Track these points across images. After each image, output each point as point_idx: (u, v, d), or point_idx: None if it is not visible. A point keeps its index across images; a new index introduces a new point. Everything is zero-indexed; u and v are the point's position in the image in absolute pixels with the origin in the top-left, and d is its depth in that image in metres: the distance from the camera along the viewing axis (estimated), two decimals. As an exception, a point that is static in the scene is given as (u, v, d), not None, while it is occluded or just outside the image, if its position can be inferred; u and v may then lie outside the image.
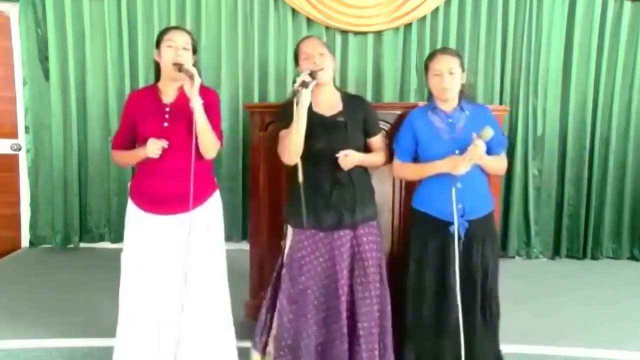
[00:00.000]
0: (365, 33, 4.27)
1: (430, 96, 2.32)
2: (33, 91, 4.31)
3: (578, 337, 2.84)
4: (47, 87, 4.29)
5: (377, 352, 2.20)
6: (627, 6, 4.23)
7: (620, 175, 4.35)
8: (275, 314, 2.28)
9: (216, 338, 2.27)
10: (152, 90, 2.24)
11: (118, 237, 4.43)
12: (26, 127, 4.34)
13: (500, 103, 4.26)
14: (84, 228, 4.44)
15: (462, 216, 2.16)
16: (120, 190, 4.37)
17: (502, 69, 4.28)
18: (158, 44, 2.18)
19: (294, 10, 4.23)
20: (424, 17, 4.25)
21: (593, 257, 4.37)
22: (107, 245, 4.44)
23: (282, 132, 2.20)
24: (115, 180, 4.36)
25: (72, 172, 4.33)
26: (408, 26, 4.28)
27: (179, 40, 2.14)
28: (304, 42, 2.29)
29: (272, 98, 4.26)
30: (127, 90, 4.28)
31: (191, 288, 2.16)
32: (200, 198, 2.20)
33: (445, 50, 2.36)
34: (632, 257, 4.39)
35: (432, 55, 2.28)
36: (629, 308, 3.30)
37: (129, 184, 2.28)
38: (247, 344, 2.56)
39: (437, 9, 4.24)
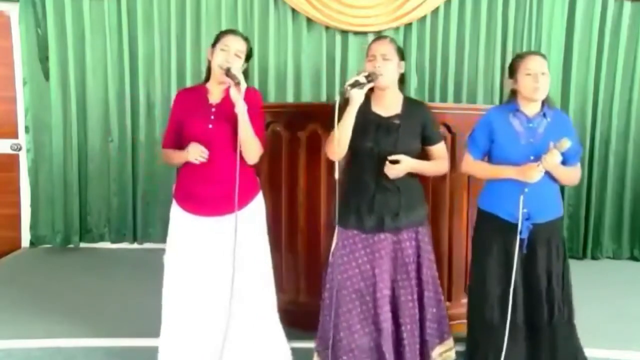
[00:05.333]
0: (365, 33, 4.27)
1: (510, 98, 2.28)
2: (33, 91, 4.31)
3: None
4: (47, 87, 4.28)
5: (418, 353, 2.21)
6: (627, 6, 4.23)
7: (620, 176, 4.35)
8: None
9: (265, 340, 2.25)
10: (200, 90, 2.24)
11: (118, 237, 4.43)
12: (26, 127, 4.33)
13: (500, 103, 4.25)
14: (84, 228, 4.44)
15: (527, 219, 2.15)
16: (120, 190, 4.37)
17: (502, 69, 4.27)
18: (214, 44, 2.19)
19: (294, 10, 4.23)
20: (424, 17, 4.25)
21: (593, 257, 4.37)
22: (107, 245, 4.44)
23: (333, 131, 2.13)
24: (115, 180, 4.36)
25: (72, 172, 4.33)
26: (408, 26, 4.28)
27: (234, 46, 2.15)
28: (374, 43, 2.24)
29: (272, 98, 4.26)
30: (127, 90, 4.29)
31: (237, 290, 2.15)
32: (243, 200, 2.19)
33: (535, 52, 2.41)
34: (632, 257, 4.39)
35: (522, 56, 2.24)
36: (629, 308, 3.29)
37: (173, 185, 2.28)
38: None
39: (437, 9, 4.24)
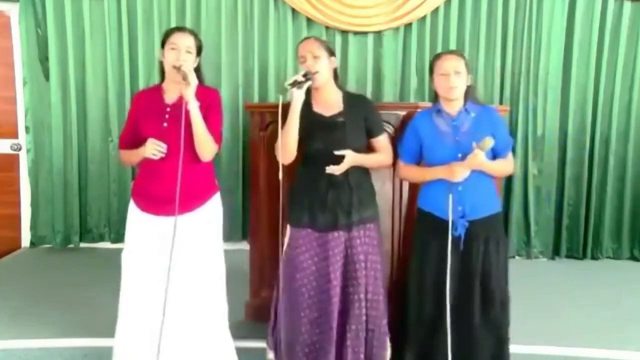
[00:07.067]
0: (365, 33, 4.27)
1: (435, 98, 2.31)
2: (33, 91, 4.31)
3: (578, 337, 2.84)
4: (47, 87, 4.28)
5: (362, 356, 2.20)
6: (627, 6, 4.22)
7: (620, 175, 4.35)
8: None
9: (210, 347, 2.24)
10: (156, 90, 2.26)
11: (118, 237, 4.43)
12: (26, 127, 4.33)
13: (500, 103, 4.25)
14: (84, 228, 4.44)
15: (462, 217, 2.16)
16: (120, 190, 4.37)
17: (502, 69, 4.27)
18: (163, 44, 2.19)
19: (294, 10, 4.23)
20: (424, 17, 4.25)
21: (593, 257, 4.37)
22: (107, 245, 4.43)
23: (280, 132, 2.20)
24: (115, 180, 4.36)
25: (72, 172, 4.33)
26: (408, 26, 4.28)
27: (182, 44, 2.15)
28: (301, 44, 2.29)
29: (272, 98, 4.25)
30: (127, 90, 4.29)
31: (184, 288, 2.16)
32: (198, 200, 2.20)
33: (450, 51, 2.40)
34: (632, 257, 4.38)
35: (438, 56, 2.27)
36: (629, 308, 3.29)
37: (131, 184, 2.30)
38: (248, 344, 2.57)
39: (437, 9, 4.24)
